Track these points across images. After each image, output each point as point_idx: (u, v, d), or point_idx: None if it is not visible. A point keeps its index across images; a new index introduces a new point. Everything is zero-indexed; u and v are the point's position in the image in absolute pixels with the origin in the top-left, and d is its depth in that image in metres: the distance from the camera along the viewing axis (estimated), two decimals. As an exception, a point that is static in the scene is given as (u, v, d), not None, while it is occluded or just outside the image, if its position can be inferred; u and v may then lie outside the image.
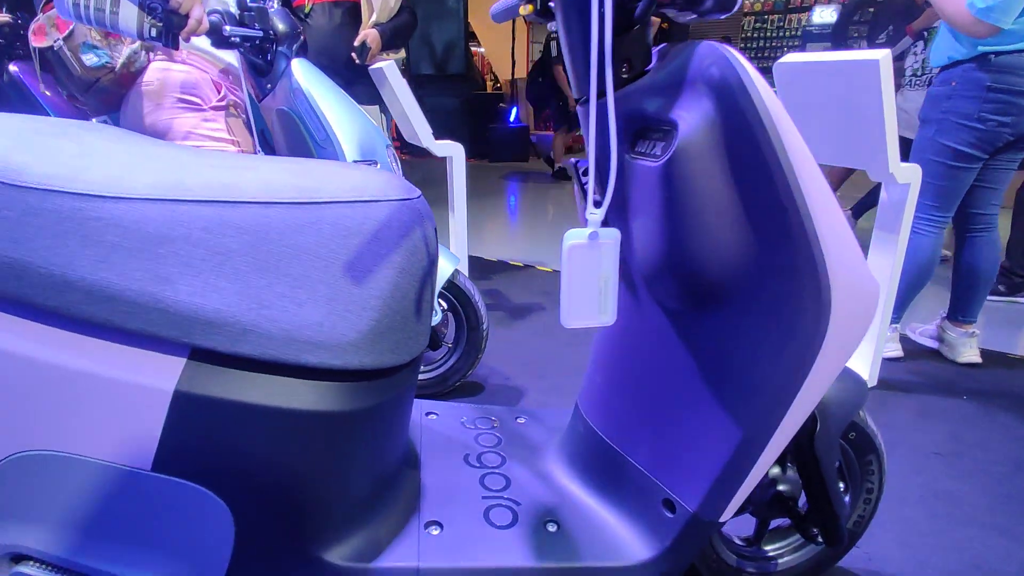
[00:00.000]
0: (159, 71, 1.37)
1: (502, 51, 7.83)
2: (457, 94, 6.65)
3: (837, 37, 4.05)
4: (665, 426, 0.80)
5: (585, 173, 0.86)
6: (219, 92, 1.44)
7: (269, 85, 1.46)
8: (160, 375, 0.62)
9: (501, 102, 7.25)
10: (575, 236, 0.64)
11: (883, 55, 1.38)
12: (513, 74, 7.62)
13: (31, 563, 0.65)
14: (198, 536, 0.66)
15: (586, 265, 0.64)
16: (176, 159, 0.67)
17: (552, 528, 0.84)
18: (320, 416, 0.67)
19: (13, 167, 0.59)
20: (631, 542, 0.82)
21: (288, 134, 1.43)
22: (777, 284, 0.67)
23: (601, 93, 0.75)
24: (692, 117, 0.66)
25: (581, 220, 0.99)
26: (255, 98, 1.51)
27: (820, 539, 0.92)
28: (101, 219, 0.59)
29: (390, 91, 2.10)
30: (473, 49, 7.42)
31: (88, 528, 0.64)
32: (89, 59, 1.33)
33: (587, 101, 0.80)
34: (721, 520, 0.78)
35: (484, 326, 1.63)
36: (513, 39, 7.56)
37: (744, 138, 0.64)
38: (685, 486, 0.78)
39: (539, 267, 3.08)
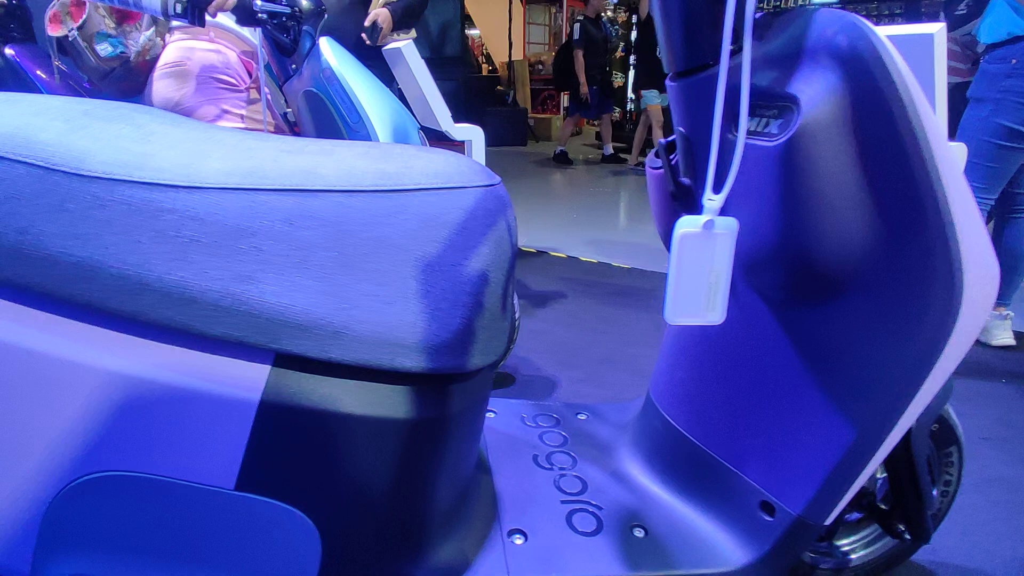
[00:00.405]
0: (183, 50, 1.28)
1: (497, 33, 7.68)
2: (453, 77, 6.52)
3: (910, 6, 3.83)
4: (763, 424, 0.75)
5: (670, 152, 0.81)
6: (251, 72, 1.36)
7: (293, 65, 1.38)
8: (244, 385, 0.55)
9: (499, 85, 7.13)
10: (688, 224, 0.58)
11: (937, 29, 1.33)
12: (510, 56, 7.49)
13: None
14: (283, 559, 0.60)
15: (697, 256, 0.58)
16: (244, 144, 0.61)
17: (639, 534, 0.79)
18: (413, 424, 0.61)
19: (74, 154, 0.52)
20: (726, 547, 0.77)
21: (316, 116, 1.35)
22: (906, 270, 0.62)
23: (706, 65, 0.69)
24: (816, 92, 0.61)
25: (654, 206, 0.93)
26: (277, 79, 1.43)
27: (906, 535, 0.88)
28: (175, 211, 0.53)
29: (406, 72, 2.01)
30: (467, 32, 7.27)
31: (162, 554, 0.59)
32: (103, 49, 1.26)
33: (681, 75, 0.74)
34: (826, 524, 0.73)
35: (516, 316, 1.58)
36: (509, 21, 7.41)
37: (878, 115, 0.58)
38: (787, 488, 0.73)
39: (552, 253, 3.02)
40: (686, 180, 0.77)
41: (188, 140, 0.59)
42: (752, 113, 0.67)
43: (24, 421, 0.53)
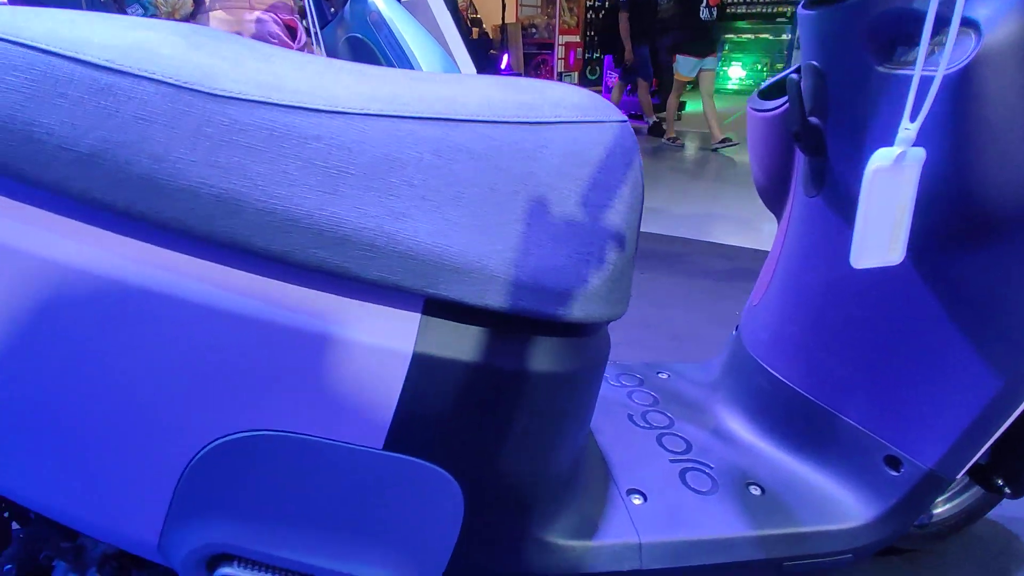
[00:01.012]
0: (223, 24, 1.19)
1: (489, -6, 7.44)
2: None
3: None
4: (891, 377, 0.72)
5: (795, 89, 0.75)
6: (294, 31, 1.27)
7: (333, 9, 1.28)
8: (398, 335, 0.50)
9: (491, 49, 6.94)
10: (881, 158, 0.53)
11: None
12: (503, 18, 7.27)
13: (234, 562, 0.54)
14: (426, 522, 0.56)
15: (887, 192, 0.54)
16: (367, 70, 0.54)
17: (756, 491, 0.76)
18: (559, 377, 0.57)
19: (204, 71, 0.45)
20: (847, 503, 0.75)
21: (361, 62, 1.27)
22: None
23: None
24: (998, 15, 0.56)
25: (757, 152, 0.88)
26: (315, 25, 1.34)
27: (1006, 489, 0.87)
28: (321, 139, 0.46)
29: (428, 19, 1.92)
30: (458, -9, 7.02)
31: (303, 520, 0.54)
32: (134, 11, 1.17)
33: (819, 3, 0.68)
34: (956, 478, 0.71)
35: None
36: (502, -19, 7.18)
37: None
38: (918, 442, 0.71)
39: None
40: (815, 119, 0.72)
41: (309, 63, 0.52)
42: (915, 42, 0.62)
43: (162, 377, 0.47)
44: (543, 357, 0.56)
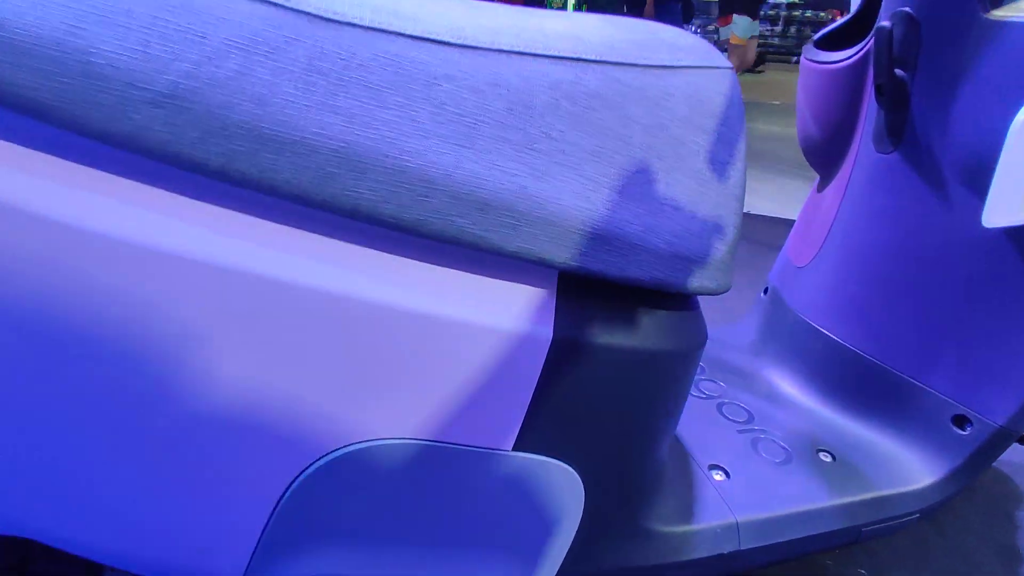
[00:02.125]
0: None
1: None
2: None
3: None
4: (960, 336, 0.72)
5: (881, 39, 0.71)
6: None
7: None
8: (537, 317, 0.43)
9: None
10: None
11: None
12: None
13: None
14: (545, 525, 0.50)
15: (1025, 147, 0.51)
16: (462, 5, 0.45)
17: (827, 458, 0.75)
18: (684, 355, 0.51)
19: None
20: (916, 464, 0.75)
21: None
22: None
23: None
24: None
25: (814, 106, 0.84)
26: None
27: None
28: (453, 79, 0.37)
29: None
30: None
31: (417, 537, 0.46)
32: None
33: None
34: None
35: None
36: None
37: None
38: (989, 399, 0.71)
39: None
40: (901, 72, 0.68)
41: None
42: None
43: (262, 382, 0.38)
44: (671, 334, 0.50)
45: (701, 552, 0.61)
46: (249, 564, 0.44)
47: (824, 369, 0.84)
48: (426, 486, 0.44)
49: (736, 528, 0.63)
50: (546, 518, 0.49)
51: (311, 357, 0.38)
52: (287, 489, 0.41)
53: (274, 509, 0.42)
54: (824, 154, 0.86)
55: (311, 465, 0.41)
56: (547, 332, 0.43)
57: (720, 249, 0.50)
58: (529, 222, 0.40)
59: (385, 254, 0.39)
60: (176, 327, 0.36)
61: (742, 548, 0.63)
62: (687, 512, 0.63)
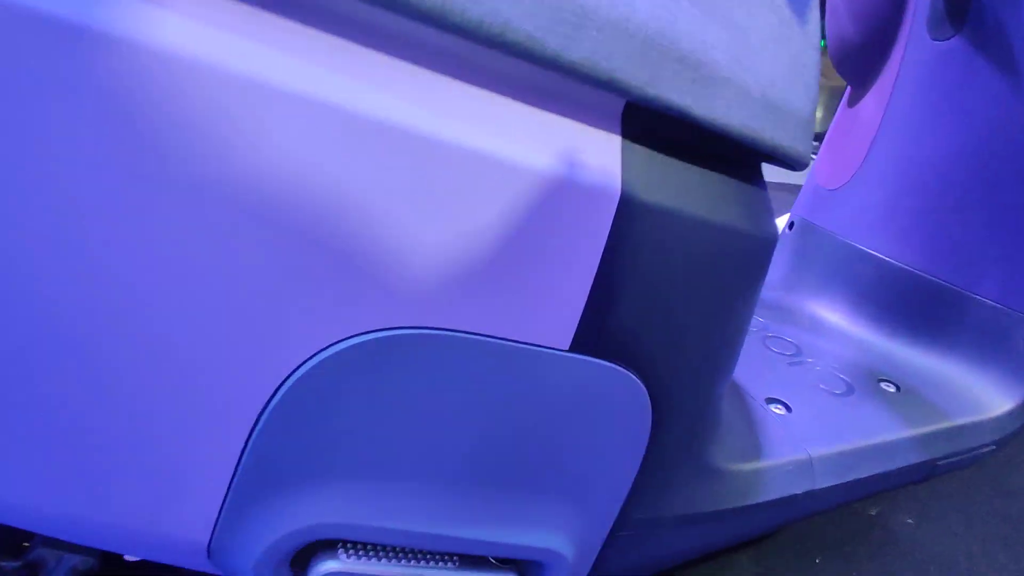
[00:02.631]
0: None
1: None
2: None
3: None
4: None
5: None
6: None
7: None
8: (601, 163, 0.32)
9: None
10: None
11: None
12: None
13: (340, 550, 0.35)
14: (608, 452, 0.40)
15: None
16: None
17: (890, 388, 0.66)
18: (761, 244, 0.41)
19: None
20: (988, 390, 0.67)
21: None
22: None
23: None
24: None
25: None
26: None
27: None
28: None
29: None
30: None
31: (444, 471, 0.36)
32: None
33: None
34: None
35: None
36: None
37: None
38: None
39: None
40: None
41: None
42: None
43: (241, 242, 0.27)
44: (750, 212, 0.40)
45: (773, 492, 0.52)
46: (218, 519, 0.33)
47: (874, 293, 0.75)
48: (453, 399, 0.34)
49: (810, 465, 0.54)
50: (606, 444, 0.39)
51: (310, 214, 0.28)
52: (268, 403, 0.30)
53: (249, 437, 0.31)
54: (862, 57, 0.78)
55: (299, 368, 0.30)
56: (614, 187, 0.32)
57: (805, 104, 0.40)
58: (598, 25, 0.29)
59: (406, 64, 0.28)
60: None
61: (817, 487, 0.54)
62: (754, 449, 0.54)
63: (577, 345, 0.35)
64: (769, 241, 0.41)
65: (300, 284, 0.28)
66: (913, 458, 0.60)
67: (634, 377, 0.38)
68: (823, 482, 0.54)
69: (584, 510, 0.41)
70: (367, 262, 0.29)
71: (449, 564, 0.38)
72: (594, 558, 0.45)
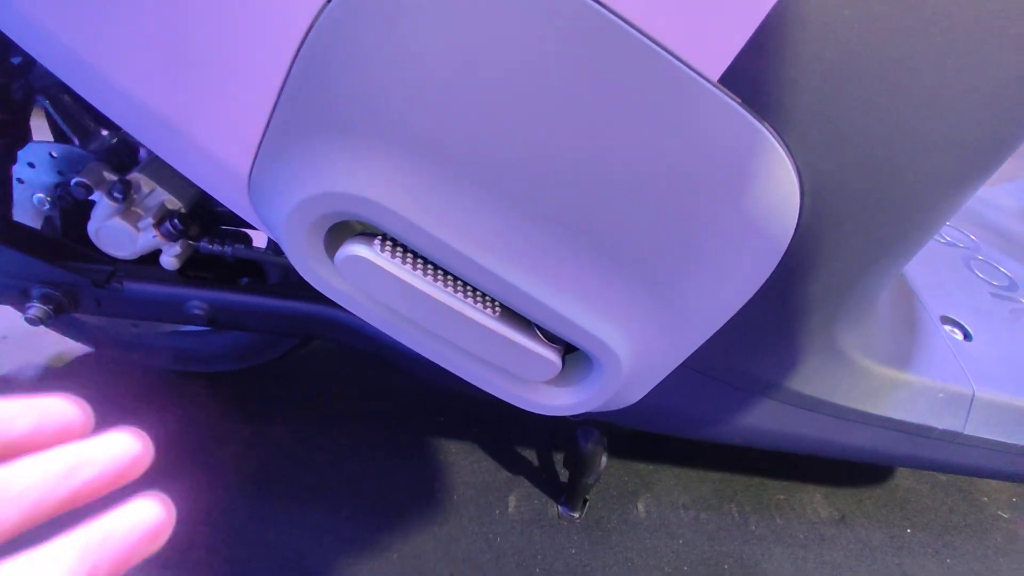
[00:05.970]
0: None
1: None
2: None
3: None
4: None
5: None
6: None
7: None
8: None
9: None
10: None
11: None
12: None
13: (376, 241, 0.31)
14: (730, 243, 0.30)
15: None
16: None
17: None
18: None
19: None
20: None
21: None
22: None
23: None
24: None
25: None
26: None
27: None
28: None
29: None
30: None
31: (537, 198, 0.28)
32: None
33: None
34: None
35: None
36: None
37: None
38: None
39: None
40: None
41: None
42: None
43: None
44: None
45: (913, 415, 0.40)
46: (260, 144, 0.28)
47: None
48: (555, 96, 0.25)
49: (969, 403, 0.42)
50: (724, 237, 0.30)
51: None
52: (311, 26, 0.24)
53: (293, 60, 0.25)
54: None
55: None
56: None
57: None
58: None
59: None
60: None
61: (964, 432, 0.42)
62: (902, 357, 0.42)
63: (728, 78, 0.24)
64: None
65: None
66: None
67: (783, 150, 0.27)
68: (975, 430, 0.42)
69: (667, 318, 0.33)
70: None
71: (487, 310, 0.32)
72: (651, 386, 0.37)
